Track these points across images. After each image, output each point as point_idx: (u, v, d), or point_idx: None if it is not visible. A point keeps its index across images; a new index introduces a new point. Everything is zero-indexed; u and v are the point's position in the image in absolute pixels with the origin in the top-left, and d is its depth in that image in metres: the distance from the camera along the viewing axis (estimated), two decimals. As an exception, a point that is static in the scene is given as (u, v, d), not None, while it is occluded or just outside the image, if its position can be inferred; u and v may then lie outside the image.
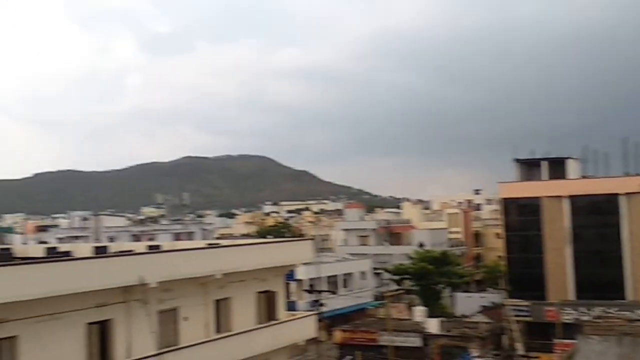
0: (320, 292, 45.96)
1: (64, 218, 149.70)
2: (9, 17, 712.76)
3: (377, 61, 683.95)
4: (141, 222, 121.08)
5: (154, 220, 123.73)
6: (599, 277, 57.25)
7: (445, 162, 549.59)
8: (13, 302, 18.85)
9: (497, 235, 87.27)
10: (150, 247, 33.23)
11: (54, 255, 30.63)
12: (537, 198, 60.43)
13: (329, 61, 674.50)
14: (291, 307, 51.39)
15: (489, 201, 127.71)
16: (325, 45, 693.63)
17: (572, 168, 62.79)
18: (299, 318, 33.13)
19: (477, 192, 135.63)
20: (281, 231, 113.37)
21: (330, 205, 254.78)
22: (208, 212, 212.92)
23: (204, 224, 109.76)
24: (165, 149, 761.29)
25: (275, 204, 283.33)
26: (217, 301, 27.73)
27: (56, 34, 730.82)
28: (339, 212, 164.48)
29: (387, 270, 76.86)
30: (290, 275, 56.16)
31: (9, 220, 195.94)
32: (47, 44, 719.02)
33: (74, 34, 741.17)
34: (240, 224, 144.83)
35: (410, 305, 66.13)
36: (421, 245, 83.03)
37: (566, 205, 59.06)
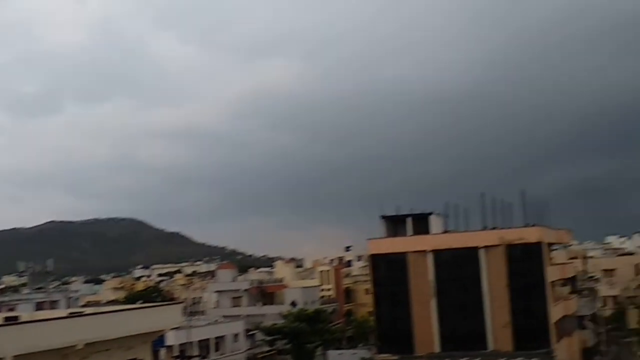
0: (190, 357, 45.04)
1: None
2: None
3: (253, 121, 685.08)
4: (1, 292, 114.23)
5: (14, 289, 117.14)
6: (463, 329, 59.15)
7: (318, 220, 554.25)
8: None
9: (367, 291, 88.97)
10: (7, 318, 31.74)
11: None
12: (403, 253, 61.92)
13: (204, 122, 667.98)
14: (161, 374, 50.12)
15: (359, 257, 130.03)
16: (201, 105, 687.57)
17: (435, 223, 65.10)
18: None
19: (347, 248, 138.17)
20: (152, 296, 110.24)
21: (203, 267, 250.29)
22: (74, 278, 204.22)
23: (69, 291, 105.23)
24: (28, 214, 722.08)
25: (146, 267, 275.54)
26: (80, 373, 26.74)
27: None
28: (212, 274, 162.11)
29: (260, 330, 76.43)
30: (159, 342, 54.83)
31: None
32: None
33: None
34: (108, 290, 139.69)
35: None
36: (293, 304, 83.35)
37: (430, 260, 60.96)
